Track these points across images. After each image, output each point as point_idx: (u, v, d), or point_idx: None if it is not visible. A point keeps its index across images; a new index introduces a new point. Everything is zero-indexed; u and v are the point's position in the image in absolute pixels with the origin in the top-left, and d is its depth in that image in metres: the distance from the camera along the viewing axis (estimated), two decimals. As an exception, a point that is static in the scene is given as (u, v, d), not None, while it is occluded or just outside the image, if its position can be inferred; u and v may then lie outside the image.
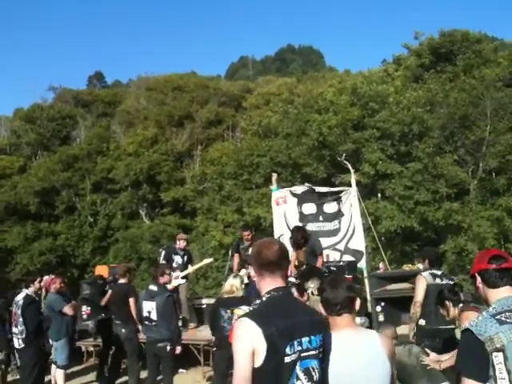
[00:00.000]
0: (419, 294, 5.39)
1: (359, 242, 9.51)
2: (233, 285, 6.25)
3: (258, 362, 2.03)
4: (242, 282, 6.55)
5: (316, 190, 10.22)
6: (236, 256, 9.15)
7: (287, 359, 2.07)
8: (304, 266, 7.28)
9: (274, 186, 10.51)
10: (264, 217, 18.96)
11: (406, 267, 7.86)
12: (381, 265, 9.39)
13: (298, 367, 2.11)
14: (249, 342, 2.04)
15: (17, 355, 7.68)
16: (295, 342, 2.11)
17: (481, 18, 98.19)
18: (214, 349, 6.50)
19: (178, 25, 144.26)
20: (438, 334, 5.26)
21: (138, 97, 29.93)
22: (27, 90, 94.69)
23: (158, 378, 6.69)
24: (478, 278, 2.25)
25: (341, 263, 8.18)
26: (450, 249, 16.34)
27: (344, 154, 12.78)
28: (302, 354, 2.13)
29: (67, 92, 33.30)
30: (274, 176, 10.81)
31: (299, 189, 10.49)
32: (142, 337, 7.91)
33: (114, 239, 23.96)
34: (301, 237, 7.42)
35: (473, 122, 18.35)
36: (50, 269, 19.29)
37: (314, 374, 2.16)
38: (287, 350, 2.07)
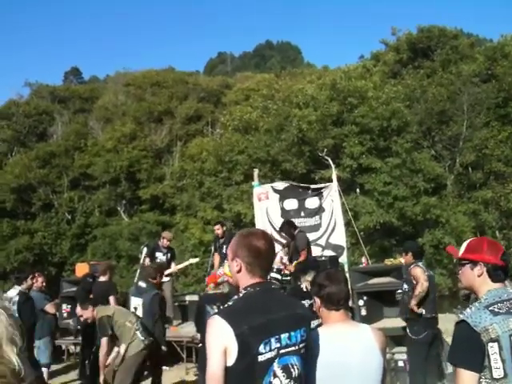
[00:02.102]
0: (425, 282, 5.40)
1: (340, 237, 9.54)
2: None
3: (230, 361, 1.98)
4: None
5: (298, 186, 10.27)
6: (216, 254, 9.14)
7: (261, 358, 2.01)
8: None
9: (255, 182, 10.49)
10: (244, 213, 18.99)
11: (388, 261, 7.94)
12: (363, 259, 9.46)
13: (276, 364, 2.05)
14: (220, 340, 1.99)
15: None
16: (272, 340, 2.05)
17: (457, 15, 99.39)
18: (200, 345, 6.48)
19: (155, 20, 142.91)
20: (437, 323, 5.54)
21: (115, 92, 29.64)
22: (1, 87, 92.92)
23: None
24: (481, 268, 2.25)
25: (322, 258, 8.22)
26: (427, 242, 16.60)
27: (325, 150, 12.82)
28: (281, 351, 2.07)
29: (43, 88, 32.80)
30: (256, 171, 10.77)
31: (281, 185, 10.48)
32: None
33: (92, 236, 23.75)
34: (287, 233, 7.57)
35: (450, 117, 18.63)
36: (28, 267, 19.01)
37: (292, 370, 2.10)
38: (261, 349, 2.01)
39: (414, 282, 5.48)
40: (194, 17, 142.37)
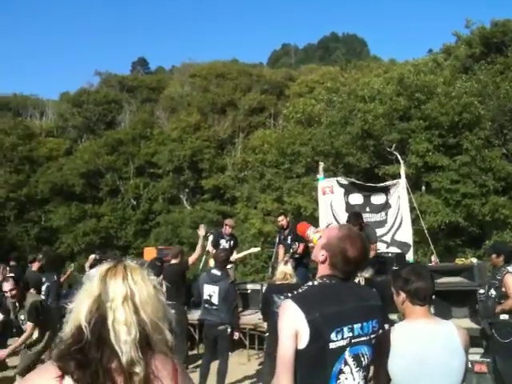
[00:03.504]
0: None
1: (406, 234, 9.38)
2: (286, 272, 6.33)
3: (302, 345, 2.03)
4: (293, 267, 6.62)
5: (363, 185, 10.22)
6: (281, 245, 9.20)
7: (332, 345, 2.05)
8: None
9: (320, 175, 10.46)
10: (305, 206, 18.93)
11: (459, 261, 7.74)
12: (433, 258, 9.27)
13: (347, 353, 2.09)
14: (291, 324, 2.04)
15: None
16: (345, 329, 2.09)
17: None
18: (267, 334, 6.59)
19: (220, 11, 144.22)
20: None
21: (181, 83, 30.22)
22: (72, 75, 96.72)
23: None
24: None
25: (389, 254, 8.14)
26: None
27: (394, 145, 12.56)
28: (353, 341, 2.11)
29: (112, 77, 33.91)
30: (321, 165, 10.72)
31: (346, 180, 10.44)
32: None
33: (156, 223, 24.45)
34: (356, 223, 7.50)
35: (524, 115, 17.81)
36: (94, 249, 19.82)
37: (363, 359, 2.14)
38: (332, 337, 2.05)
39: (504, 290, 5.31)
40: (258, 8, 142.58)
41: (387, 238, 9.49)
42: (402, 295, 2.52)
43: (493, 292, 5.44)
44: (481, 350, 5.84)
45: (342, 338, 2.08)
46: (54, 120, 31.44)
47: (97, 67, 67.86)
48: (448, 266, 7.75)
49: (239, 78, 28.68)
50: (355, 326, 2.12)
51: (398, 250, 8.97)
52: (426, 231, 9.97)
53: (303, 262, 8.57)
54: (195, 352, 8.61)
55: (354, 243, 2.23)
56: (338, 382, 2.08)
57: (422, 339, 2.40)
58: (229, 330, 6.44)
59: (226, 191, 24.12)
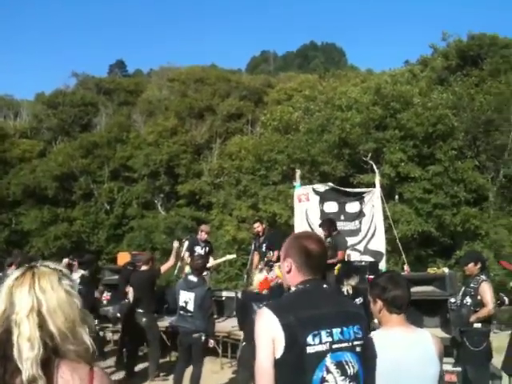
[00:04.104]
0: (493, 307, 5.35)
1: (380, 243, 9.47)
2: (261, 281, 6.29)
3: (278, 353, 1.95)
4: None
5: (339, 190, 10.24)
6: (256, 252, 9.18)
7: (310, 349, 1.96)
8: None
9: (297, 183, 10.50)
10: (280, 213, 18.98)
11: (431, 270, 7.82)
12: (405, 267, 9.36)
13: (328, 359, 1.99)
14: (267, 332, 1.98)
15: None
16: (323, 333, 1.99)
17: (509, 24, 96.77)
18: (243, 343, 6.53)
19: (199, 16, 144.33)
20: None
21: (159, 87, 30.08)
22: (48, 76, 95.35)
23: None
24: None
25: (363, 263, 8.20)
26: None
27: (370, 154, 12.71)
28: (334, 346, 2.01)
29: (89, 79, 33.62)
30: (298, 172, 10.78)
31: (322, 187, 10.47)
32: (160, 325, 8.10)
33: (129, 227, 24.16)
34: (325, 229, 7.57)
35: (496, 127, 18.20)
36: (65, 254, 19.49)
37: (348, 367, 2.02)
38: (309, 340, 1.96)
39: (479, 298, 5.38)
40: (238, 14, 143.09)
41: (360, 247, 9.57)
42: (379, 303, 2.51)
43: (468, 300, 5.50)
44: (451, 360, 5.89)
45: (321, 343, 1.99)
46: (29, 121, 30.94)
47: (73, 68, 67.18)
48: (420, 275, 7.84)
49: (218, 84, 28.68)
50: (334, 330, 2.03)
51: (371, 259, 9.05)
52: (398, 240, 10.07)
53: None
54: (167, 359, 8.50)
55: (308, 238, 2.27)
56: None
57: (398, 347, 2.40)
58: (203, 337, 6.38)
59: (202, 197, 24.01)
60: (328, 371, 1.98)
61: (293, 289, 2.19)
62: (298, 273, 2.18)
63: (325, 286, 2.27)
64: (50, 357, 1.46)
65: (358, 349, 2.07)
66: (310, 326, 2.00)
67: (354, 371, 2.03)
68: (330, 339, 2.01)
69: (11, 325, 1.46)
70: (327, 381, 1.98)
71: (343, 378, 2.00)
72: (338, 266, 7.23)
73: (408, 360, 2.37)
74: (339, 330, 2.04)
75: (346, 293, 5.38)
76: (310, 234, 2.43)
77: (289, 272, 2.20)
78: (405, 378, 2.35)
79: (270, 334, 1.98)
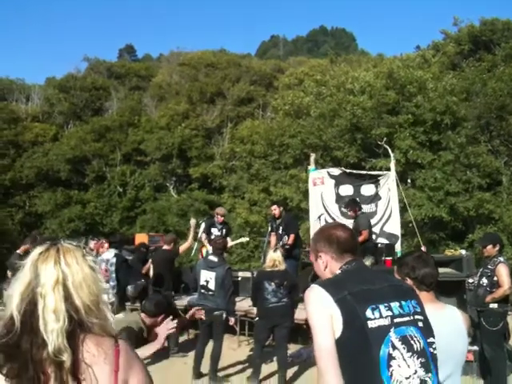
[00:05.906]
0: (509, 287, 5.49)
1: (395, 226, 9.60)
2: (275, 259, 6.45)
3: (337, 332, 1.80)
4: (283, 255, 6.74)
5: (354, 173, 10.35)
6: (273, 234, 9.31)
7: (371, 324, 1.80)
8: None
9: (312, 167, 10.60)
10: (291, 197, 19.08)
11: (448, 252, 7.92)
12: (423, 248, 9.47)
13: (392, 334, 1.83)
14: (322, 308, 1.84)
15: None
16: (381, 306, 1.85)
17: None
18: (256, 319, 6.71)
19: (209, 0, 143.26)
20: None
21: (170, 72, 30.05)
22: (59, 60, 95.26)
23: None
24: None
25: (379, 245, 8.32)
26: (478, 238, 16.25)
27: (385, 139, 12.73)
28: (395, 320, 1.86)
29: (101, 63, 33.59)
30: (313, 156, 10.87)
31: (336, 171, 10.57)
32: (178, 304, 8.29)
33: (142, 210, 24.35)
34: (351, 210, 7.81)
35: (509, 112, 18.10)
36: (79, 236, 19.72)
37: (413, 343, 1.88)
38: (368, 314, 1.81)
39: (496, 279, 5.50)
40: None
41: (376, 229, 9.68)
42: (409, 282, 2.56)
43: (484, 281, 5.63)
44: (468, 339, 6.02)
45: (381, 317, 1.84)
46: (40, 105, 31.01)
47: (83, 53, 67.13)
48: (438, 257, 7.93)
49: (228, 69, 28.61)
50: (392, 304, 1.90)
51: (387, 241, 9.17)
52: (413, 223, 10.16)
53: (293, 255, 8.71)
54: (185, 337, 8.71)
55: (331, 227, 2.27)
56: (391, 369, 1.81)
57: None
58: (224, 315, 6.55)
59: (214, 180, 24.14)
60: (394, 347, 1.83)
61: (338, 271, 2.08)
62: (335, 262, 2.10)
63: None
64: (75, 330, 1.47)
65: (420, 323, 1.96)
66: (367, 299, 1.87)
67: (420, 346, 1.91)
68: (390, 313, 1.88)
69: (36, 297, 1.47)
70: (394, 357, 1.82)
71: (410, 354, 1.86)
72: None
73: (439, 334, 2.45)
74: (397, 303, 1.92)
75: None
76: (331, 224, 2.46)
77: (326, 268, 2.13)
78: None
79: (324, 311, 1.84)
